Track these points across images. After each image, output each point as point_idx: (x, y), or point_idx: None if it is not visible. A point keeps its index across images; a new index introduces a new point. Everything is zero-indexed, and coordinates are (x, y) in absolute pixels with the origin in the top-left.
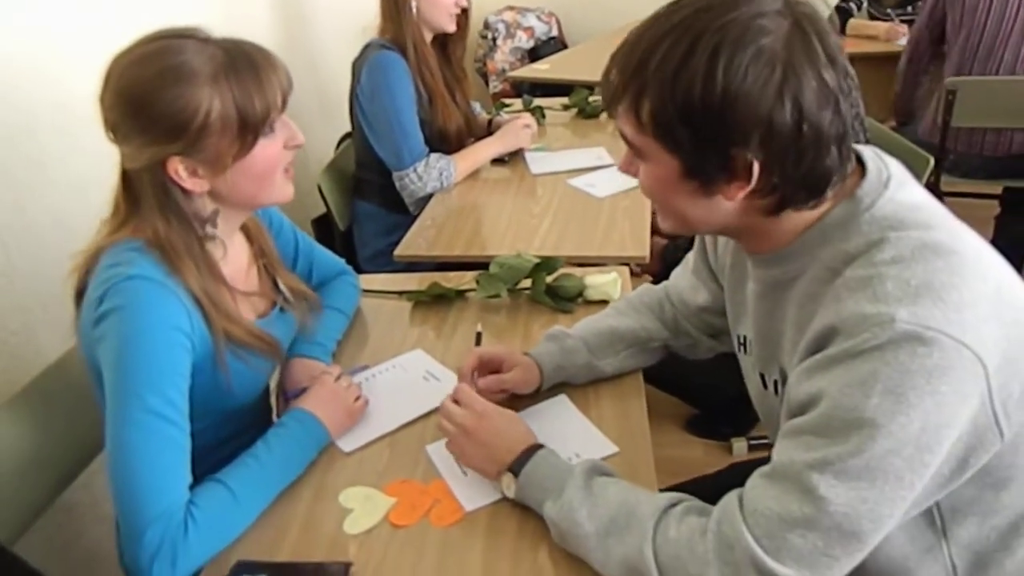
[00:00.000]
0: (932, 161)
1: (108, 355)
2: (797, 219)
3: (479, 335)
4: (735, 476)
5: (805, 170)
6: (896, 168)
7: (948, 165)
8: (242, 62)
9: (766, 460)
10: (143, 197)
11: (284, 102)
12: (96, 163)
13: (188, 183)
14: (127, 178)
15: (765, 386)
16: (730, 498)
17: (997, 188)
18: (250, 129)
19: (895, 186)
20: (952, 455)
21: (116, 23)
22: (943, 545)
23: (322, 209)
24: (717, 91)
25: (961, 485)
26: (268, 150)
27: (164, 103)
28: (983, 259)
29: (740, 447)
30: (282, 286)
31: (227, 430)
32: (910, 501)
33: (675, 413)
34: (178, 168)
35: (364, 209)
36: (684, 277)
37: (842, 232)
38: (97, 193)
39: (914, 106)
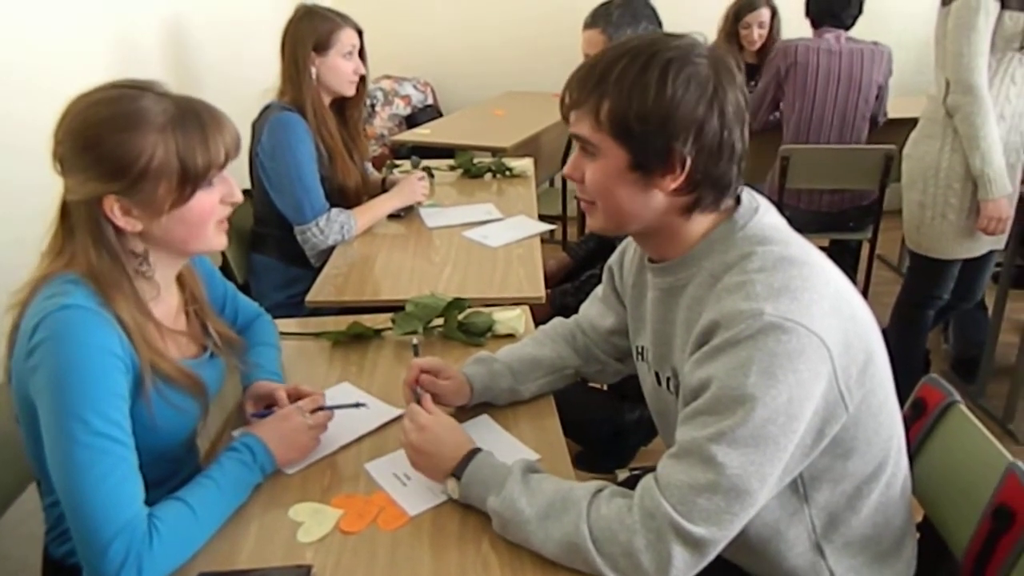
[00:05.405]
0: None
1: (43, 383)
2: (697, 225)
3: (416, 347)
4: (634, 483)
5: (719, 173)
6: (762, 200)
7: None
8: (191, 117)
9: (654, 469)
10: (77, 228)
11: (227, 160)
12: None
13: (120, 221)
14: (65, 209)
15: (659, 383)
16: (647, 479)
17: (825, 241)
18: (189, 181)
19: (762, 212)
20: (812, 426)
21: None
22: (805, 508)
23: (218, 262)
24: (667, 96)
25: (817, 456)
26: (204, 202)
27: (111, 144)
28: (825, 269)
29: (623, 477)
30: (212, 331)
31: (155, 474)
32: (784, 463)
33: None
34: (113, 206)
35: (262, 262)
36: (593, 307)
37: (722, 245)
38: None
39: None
